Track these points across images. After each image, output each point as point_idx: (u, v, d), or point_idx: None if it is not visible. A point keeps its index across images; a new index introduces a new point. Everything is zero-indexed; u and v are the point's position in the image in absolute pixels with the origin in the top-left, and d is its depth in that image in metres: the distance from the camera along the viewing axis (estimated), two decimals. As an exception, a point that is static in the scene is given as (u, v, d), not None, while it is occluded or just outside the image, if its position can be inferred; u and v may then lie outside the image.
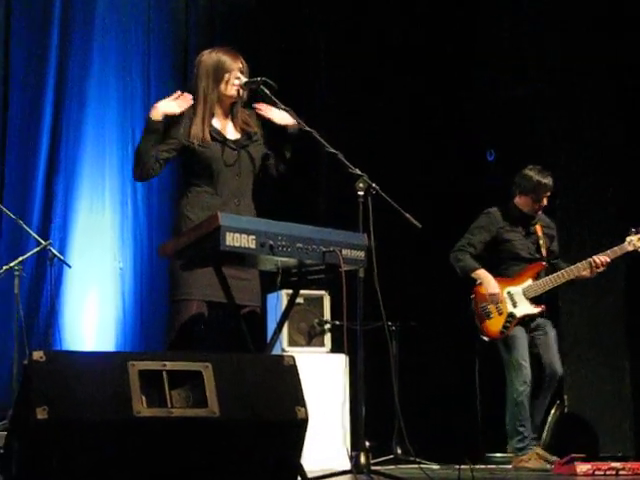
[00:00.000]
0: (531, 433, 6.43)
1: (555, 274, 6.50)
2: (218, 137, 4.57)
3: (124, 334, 8.50)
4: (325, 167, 8.06)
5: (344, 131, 7.40)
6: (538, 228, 6.64)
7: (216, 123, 4.62)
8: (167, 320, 4.48)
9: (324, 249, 4.17)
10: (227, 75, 4.59)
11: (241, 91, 4.59)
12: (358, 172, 4.61)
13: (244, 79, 4.59)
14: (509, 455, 6.68)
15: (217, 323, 4.46)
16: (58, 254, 7.41)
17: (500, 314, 6.47)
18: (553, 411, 7.13)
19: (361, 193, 4.58)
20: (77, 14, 8.60)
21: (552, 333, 6.59)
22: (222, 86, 4.59)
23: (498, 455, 7.12)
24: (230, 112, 4.67)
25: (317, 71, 8.83)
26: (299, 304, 6.86)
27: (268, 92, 4.51)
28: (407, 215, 4.69)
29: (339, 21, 8.86)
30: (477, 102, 8.64)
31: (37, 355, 3.22)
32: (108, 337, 8.43)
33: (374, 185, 4.59)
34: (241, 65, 4.64)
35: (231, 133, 4.64)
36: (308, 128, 4.55)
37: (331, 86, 8.80)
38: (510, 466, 6.52)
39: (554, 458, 6.22)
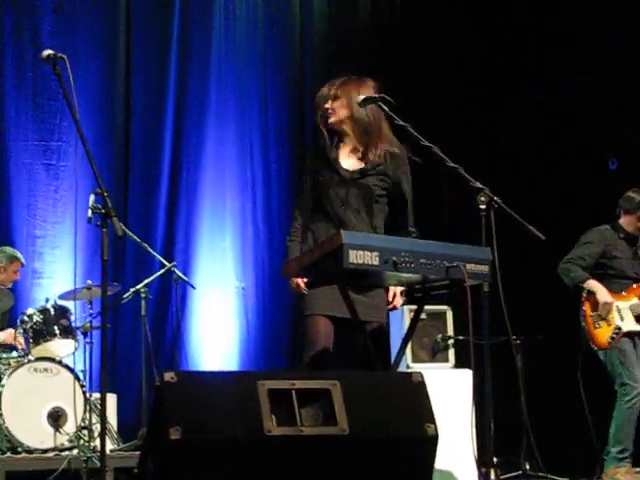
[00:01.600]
0: (632, 447, 6.44)
1: None
2: (338, 168, 4.58)
3: (247, 353, 8.59)
4: (445, 182, 8.02)
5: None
6: None
7: (337, 153, 4.63)
8: (297, 336, 4.51)
9: (448, 264, 4.11)
10: (322, 108, 4.63)
11: (333, 118, 4.59)
12: (479, 185, 4.56)
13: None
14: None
15: (343, 339, 4.47)
16: (182, 275, 7.52)
17: (609, 325, 6.59)
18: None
19: (483, 207, 4.53)
20: (194, 38, 8.79)
21: None
22: (322, 120, 4.64)
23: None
24: (355, 141, 4.67)
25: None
26: (422, 320, 6.79)
27: (387, 109, 4.49)
28: (530, 227, 4.62)
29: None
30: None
31: (168, 376, 3.27)
32: (232, 356, 8.53)
33: (496, 198, 4.54)
34: (331, 92, 4.64)
35: (351, 163, 4.63)
36: (427, 143, 4.50)
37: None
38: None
39: None
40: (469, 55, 9.09)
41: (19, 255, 7.34)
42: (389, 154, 4.67)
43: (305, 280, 4.47)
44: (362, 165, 4.62)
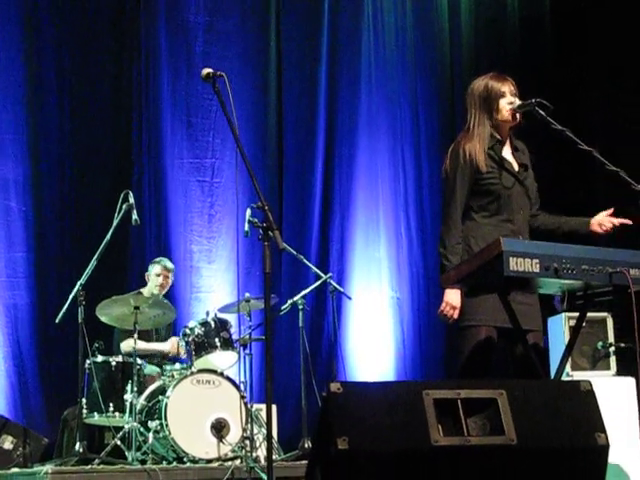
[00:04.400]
0: None
1: None
2: (504, 166, 4.49)
3: (404, 363, 8.59)
4: (602, 185, 7.85)
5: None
6: None
7: (500, 153, 4.52)
8: (455, 347, 4.47)
9: (611, 270, 4.02)
10: (498, 101, 4.52)
11: (517, 115, 4.50)
12: (641, 188, 4.46)
13: (517, 102, 4.51)
14: None
15: (505, 349, 4.41)
16: (338, 287, 7.56)
17: None
18: None
19: (646, 210, 4.42)
20: (344, 50, 8.89)
21: None
22: (495, 113, 4.52)
23: None
24: (509, 139, 4.59)
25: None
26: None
27: (543, 113, 4.43)
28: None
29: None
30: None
31: (334, 387, 3.29)
32: (388, 367, 8.54)
33: (659, 201, 4.42)
34: (512, 87, 4.57)
35: (513, 162, 4.55)
36: (587, 147, 4.43)
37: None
38: None
39: None
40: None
41: (161, 259, 7.54)
42: (523, 149, 4.64)
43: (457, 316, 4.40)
44: (518, 164, 4.55)
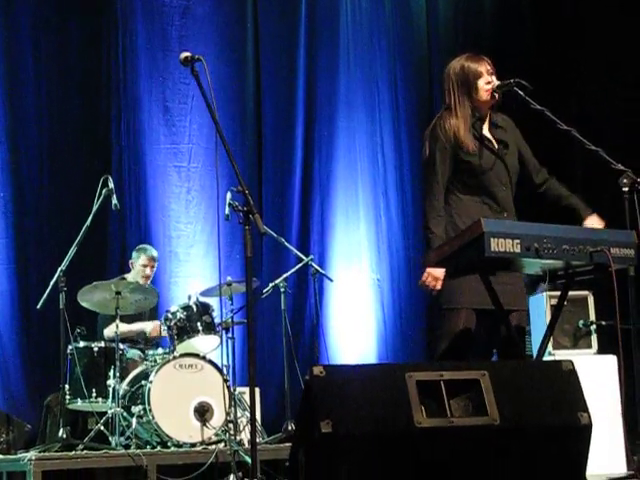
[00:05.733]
0: None
1: None
2: (485, 144, 4.50)
3: (385, 345, 8.61)
4: (581, 165, 7.88)
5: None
6: None
7: (480, 131, 4.54)
8: (436, 329, 4.48)
9: (591, 249, 4.04)
10: (476, 82, 4.52)
11: (496, 94, 4.50)
12: (621, 167, 4.48)
13: (496, 82, 4.51)
14: None
15: (487, 330, 4.42)
16: (320, 269, 7.56)
17: None
18: None
19: (626, 189, 4.45)
20: (322, 31, 8.86)
21: None
22: (474, 94, 4.52)
23: None
24: (488, 118, 4.60)
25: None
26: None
27: (522, 93, 4.43)
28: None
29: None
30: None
31: (317, 370, 3.30)
32: (370, 348, 8.56)
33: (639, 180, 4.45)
34: (488, 67, 4.57)
35: (492, 140, 4.57)
36: (566, 127, 4.44)
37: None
38: None
39: None
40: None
41: (146, 247, 7.50)
42: (505, 125, 4.64)
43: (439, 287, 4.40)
44: (496, 140, 4.55)
